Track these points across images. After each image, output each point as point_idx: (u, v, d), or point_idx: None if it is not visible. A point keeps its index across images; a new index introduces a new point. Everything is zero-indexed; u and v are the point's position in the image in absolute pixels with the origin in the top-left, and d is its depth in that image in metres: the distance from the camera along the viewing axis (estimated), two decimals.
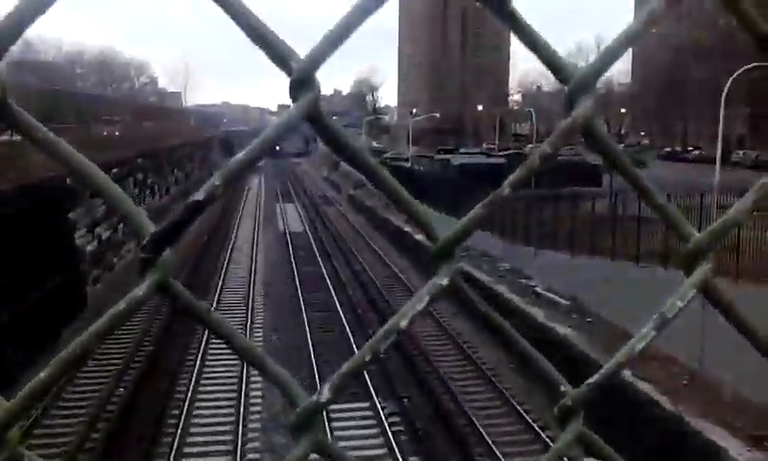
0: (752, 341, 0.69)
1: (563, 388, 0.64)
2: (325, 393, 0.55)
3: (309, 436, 0.54)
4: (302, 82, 0.55)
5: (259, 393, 15.58)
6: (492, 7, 0.58)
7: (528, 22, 0.61)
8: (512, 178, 0.62)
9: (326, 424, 13.54)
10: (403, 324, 0.57)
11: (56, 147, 0.51)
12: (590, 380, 0.64)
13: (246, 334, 19.80)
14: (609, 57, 0.63)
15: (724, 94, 23.84)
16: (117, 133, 43.20)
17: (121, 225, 32.40)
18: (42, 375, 0.51)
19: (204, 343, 18.62)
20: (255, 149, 0.54)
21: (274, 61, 0.55)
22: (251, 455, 13.02)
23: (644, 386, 12.18)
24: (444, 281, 0.60)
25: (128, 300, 0.51)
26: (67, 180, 25.29)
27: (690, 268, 0.70)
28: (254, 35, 0.54)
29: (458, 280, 0.61)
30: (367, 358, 0.56)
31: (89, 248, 25.27)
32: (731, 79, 21.95)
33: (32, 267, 18.30)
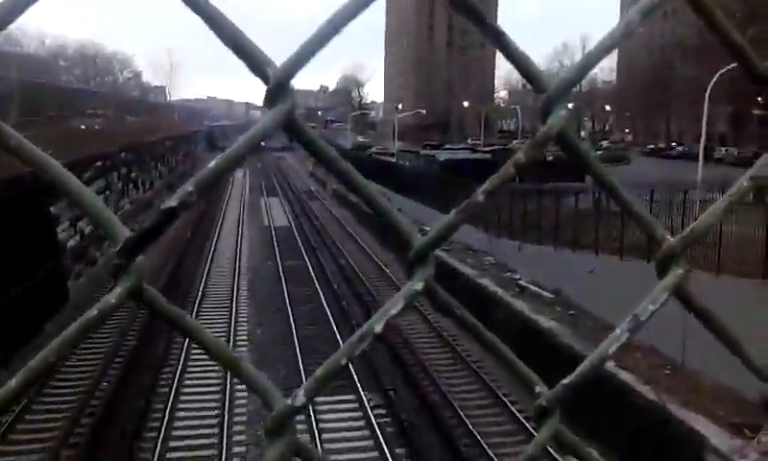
0: (725, 342, 0.70)
1: (538, 389, 0.65)
2: (300, 397, 0.55)
3: (284, 439, 0.54)
4: (279, 90, 0.55)
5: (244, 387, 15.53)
6: (469, 16, 0.58)
7: (504, 30, 0.61)
8: (486, 185, 0.62)
9: (312, 416, 13.55)
10: (378, 328, 0.58)
11: (30, 153, 0.51)
12: (565, 381, 0.64)
13: (231, 327, 19.74)
14: (584, 67, 0.63)
15: (707, 92, 24.04)
16: (98, 127, 42.83)
17: None
18: (12, 383, 0.51)
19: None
20: (230, 156, 0.54)
21: (250, 69, 0.55)
22: (236, 448, 13.00)
23: (626, 376, 12.30)
24: (419, 286, 0.61)
25: (100, 306, 0.51)
26: None
27: (663, 271, 0.70)
28: (230, 42, 0.54)
29: (433, 285, 0.61)
30: (342, 362, 0.56)
31: (71, 242, 25.04)
32: (714, 78, 22.15)
33: (13, 261, 18.11)
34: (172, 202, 0.53)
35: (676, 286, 0.69)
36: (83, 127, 40.22)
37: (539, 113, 0.64)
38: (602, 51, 0.62)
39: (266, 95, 0.55)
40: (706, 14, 0.67)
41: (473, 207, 0.61)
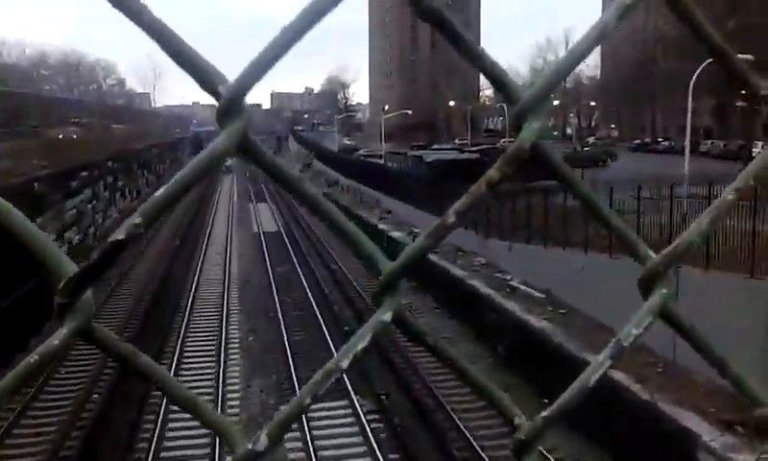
0: (711, 363, 0.67)
1: (517, 421, 0.62)
2: (263, 440, 0.51)
3: None
4: (230, 109, 0.51)
5: (237, 393, 15.48)
6: (439, 26, 0.55)
7: (472, 40, 0.58)
8: (457, 205, 0.59)
9: (305, 423, 13.47)
10: (344, 364, 0.54)
11: None
12: (545, 414, 0.61)
13: (222, 336, 19.61)
14: (558, 74, 0.60)
15: (691, 86, 24.18)
16: (83, 136, 42.58)
17: (92, 229, 31.96)
18: None
19: (180, 340, 18.47)
20: (179, 184, 0.50)
21: (200, 86, 0.51)
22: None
23: (618, 375, 12.31)
24: (388, 316, 0.57)
25: (42, 350, 0.48)
26: (35, 185, 24.87)
27: (647, 291, 0.67)
28: (178, 56, 0.50)
29: (403, 314, 0.58)
30: (306, 402, 0.53)
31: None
32: (697, 71, 22.27)
33: (1, 273, 17.93)
34: (119, 234, 0.49)
35: (661, 308, 0.66)
36: (67, 136, 39.94)
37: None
38: (574, 58, 0.59)
39: (217, 114, 0.51)
40: (687, 17, 0.64)
41: (444, 230, 0.58)
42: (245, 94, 0.52)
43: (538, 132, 0.60)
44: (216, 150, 0.52)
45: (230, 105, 0.52)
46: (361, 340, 0.57)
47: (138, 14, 0.48)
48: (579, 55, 0.59)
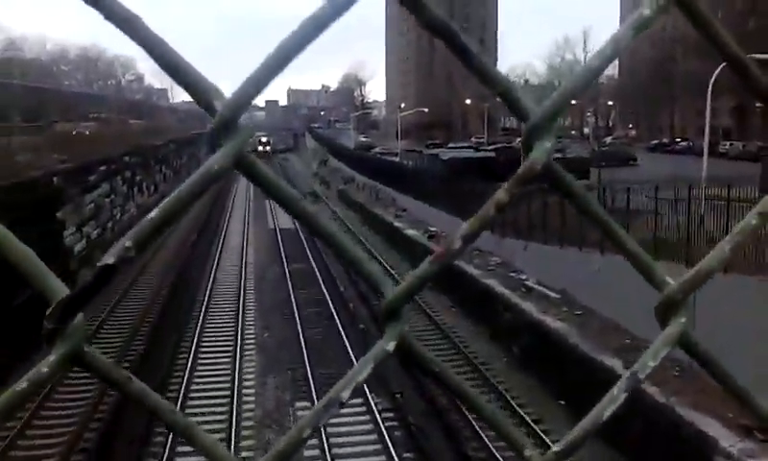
0: (731, 392, 0.64)
1: (527, 453, 0.59)
2: None
3: None
4: (227, 126, 0.50)
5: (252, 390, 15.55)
6: (444, 39, 0.52)
7: (480, 53, 0.55)
8: (465, 229, 0.57)
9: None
10: (345, 395, 0.52)
11: None
12: (556, 448, 0.58)
13: (238, 332, 19.67)
14: (567, 95, 0.57)
15: (710, 86, 23.90)
16: (102, 131, 42.92)
17: (110, 224, 32.21)
18: None
19: (195, 342, 18.58)
20: (172, 206, 0.48)
21: (196, 101, 0.49)
22: (244, 454, 12.96)
23: None
24: (391, 346, 0.55)
25: (31, 377, 0.46)
26: (54, 179, 25.10)
27: (665, 320, 0.64)
28: (173, 71, 0.48)
29: (408, 342, 0.55)
30: (305, 434, 0.51)
31: (78, 247, 25.07)
32: (716, 71, 22.01)
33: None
34: (109, 259, 0.47)
35: (678, 337, 0.63)
36: (82, 132, 40.26)
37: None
38: (586, 78, 0.57)
39: (212, 132, 0.49)
40: (704, 27, 0.61)
41: (451, 256, 0.55)
42: (242, 111, 0.50)
43: (549, 152, 0.57)
44: (211, 169, 0.50)
45: (227, 121, 0.50)
46: (362, 371, 0.55)
47: (132, 27, 0.46)
48: (594, 71, 0.57)
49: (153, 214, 0.49)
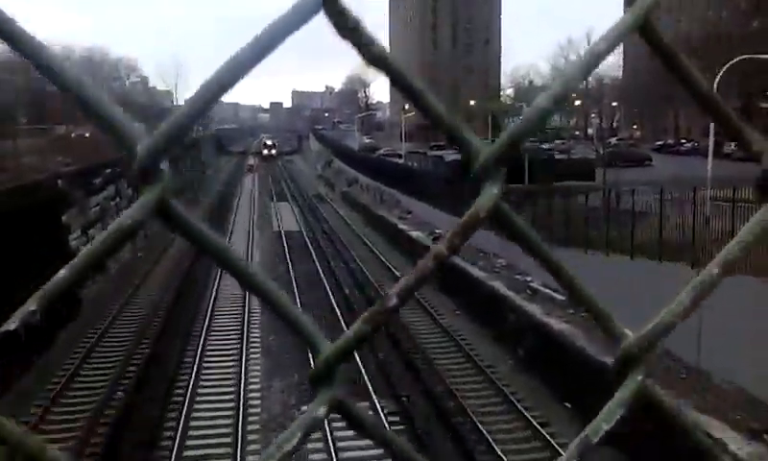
0: (695, 443, 0.64)
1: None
2: None
3: None
4: (145, 173, 0.47)
5: (258, 393, 15.58)
6: (382, 70, 0.52)
7: (425, 89, 0.53)
8: (400, 286, 0.55)
9: (326, 423, 13.46)
10: None
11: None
12: None
13: (243, 335, 19.70)
14: (514, 137, 0.55)
15: (714, 87, 23.87)
16: (98, 134, 43.02)
17: None
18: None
19: (202, 339, 18.61)
20: (86, 259, 0.48)
21: (116, 144, 0.48)
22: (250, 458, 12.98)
23: None
24: (321, 412, 0.53)
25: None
26: (59, 182, 25.18)
27: (621, 378, 0.62)
28: (92, 112, 0.47)
29: (346, 405, 0.54)
30: None
31: (83, 250, 25.13)
32: (720, 72, 21.98)
33: (25, 269, 18.17)
34: (10, 325, 0.46)
35: (636, 395, 0.61)
36: (81, 134, 40.27)
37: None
38: (538, 114, 0.55)
39: (131, 177, 0.47)
40: (669, 60, 0.62)
41: (385, 315, 0.54)
42: (163, 155, 0.48)
43: (497, 197, 0.54)
44: (126, 221, 0.48)
45: (146, 168, 0.48)
46: (290, 439, 0.53)
47: (48, 68, 0.47)
48: (541, 112, 0.55)
49: (63, 272, 0.48)
